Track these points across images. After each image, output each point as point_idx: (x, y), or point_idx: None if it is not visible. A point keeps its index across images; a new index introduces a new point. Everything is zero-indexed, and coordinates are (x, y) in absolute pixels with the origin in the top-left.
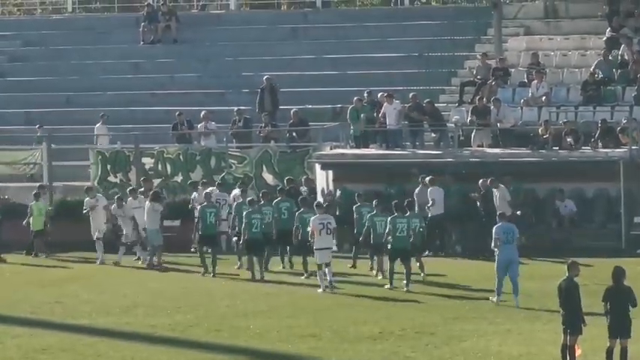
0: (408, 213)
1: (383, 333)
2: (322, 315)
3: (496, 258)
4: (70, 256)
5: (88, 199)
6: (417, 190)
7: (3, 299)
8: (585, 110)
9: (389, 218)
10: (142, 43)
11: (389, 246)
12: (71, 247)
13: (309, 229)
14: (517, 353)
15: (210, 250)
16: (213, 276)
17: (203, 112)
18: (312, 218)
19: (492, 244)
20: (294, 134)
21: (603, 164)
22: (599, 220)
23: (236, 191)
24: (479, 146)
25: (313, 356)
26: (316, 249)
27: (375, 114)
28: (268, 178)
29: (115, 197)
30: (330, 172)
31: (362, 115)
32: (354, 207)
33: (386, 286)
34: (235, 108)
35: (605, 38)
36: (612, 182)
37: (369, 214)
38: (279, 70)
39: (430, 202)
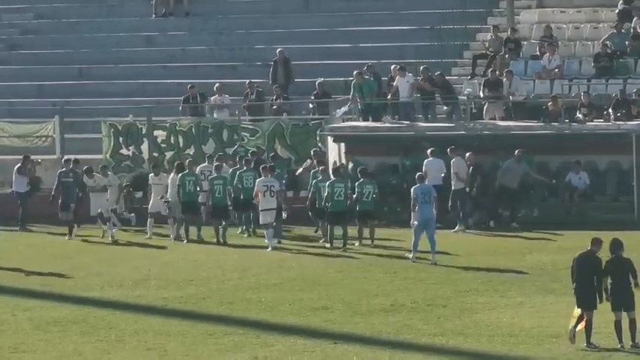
0: (362, 179)
1: (395, 306)
2: (333, 288)
3: (413, 217)
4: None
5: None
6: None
7: (15, 271)
8: (598, 83)
9: (327, 182)
10: (154, 15)
11: (327, 209)
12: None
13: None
14: (529, 326)
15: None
16: (198, 237)
17: (217, 85)
18: (258, 181)
19: (411, 204)
20: (311, 106)
21: (616, 136)
22: (611, 193)
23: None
24: (491, 119)
25: (325, 329)
26: (261, 210)
27: (379, 87)
28: (281, 151)
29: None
30: (342, 145)
31: (364, 89)
32: (311, 172)
33: (327, 245)
34: (247, 81)
35: (617, 10)
36: (625, 154)
37: (314, 180)
38: (291, 43)
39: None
